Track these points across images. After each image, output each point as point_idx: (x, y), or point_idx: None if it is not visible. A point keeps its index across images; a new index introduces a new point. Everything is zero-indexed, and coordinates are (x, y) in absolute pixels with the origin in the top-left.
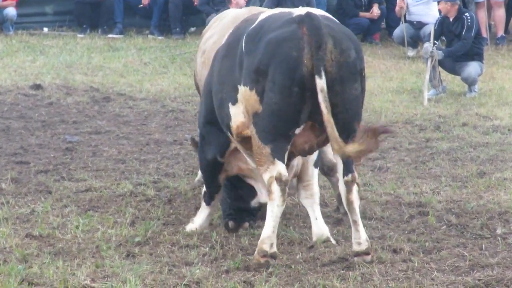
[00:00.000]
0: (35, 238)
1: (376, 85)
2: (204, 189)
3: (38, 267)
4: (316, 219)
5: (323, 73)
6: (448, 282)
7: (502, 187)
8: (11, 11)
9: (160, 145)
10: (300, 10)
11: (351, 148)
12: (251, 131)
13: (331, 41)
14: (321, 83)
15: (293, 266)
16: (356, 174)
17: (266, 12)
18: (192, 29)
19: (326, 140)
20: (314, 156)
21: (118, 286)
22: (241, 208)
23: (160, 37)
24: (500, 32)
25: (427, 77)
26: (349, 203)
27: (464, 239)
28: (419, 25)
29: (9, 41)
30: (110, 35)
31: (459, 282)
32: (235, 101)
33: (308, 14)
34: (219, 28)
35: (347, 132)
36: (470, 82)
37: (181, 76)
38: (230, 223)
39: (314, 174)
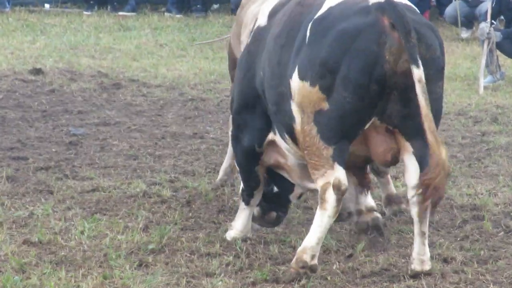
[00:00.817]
0: (34, 245)
1: None
2: (241, 186)
3: (38, 278)
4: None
5: (419, 61)
6: None
7: None
8: None
9: (178, 138)
10: None
11: (445, 153)
12: (309, 130)
13: (415, 35)
14: (418, 72)
15: (329, 278)
16: None
17: None
18: (215, 6)
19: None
20: None
21: None
22: (273, 197)
23: (178, 15)
24: None
25: (483, 62)
26: (423, 209)
27: None
28: (475, 2)
29: (5, 19)
30: (121, 13)
31: None
32: (291, 97)
33: (389, 1)
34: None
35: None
36: None
37: (202, 60)
38: (256, 210)
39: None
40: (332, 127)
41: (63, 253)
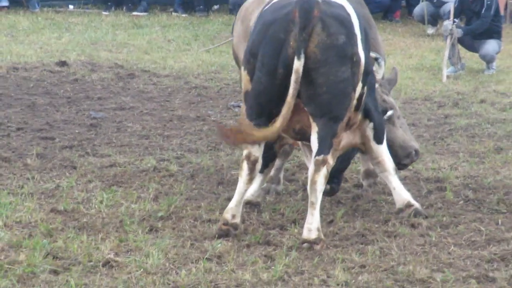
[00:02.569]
0: (59, 213)
1: (396, 63)
2: None
3: (63, 242)
4: (394, 188)
5: (302, 55)
6: (464, 256)
7: None
8: None
9: (183, 121)
10: None
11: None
12: (242, 108)
13: (320, 25)
14: (297, 64)
15: None
16: (329, 158)
17: None
18: (215, 7)
19: None
20: (370, 132)
21: (141, 260)
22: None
23: (183, 15)
24: None
25: (447, 54)
26: (313, 183)
27: (480, 214)
28: (439, 3)
29: (35, 19)
30: (134, 13)
31: (475, 256)
32: None
33: None
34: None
35: (325, 116)
36: (488, 60)
37: (204, 53)
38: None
39: (379, 150)
40: (252, 105)
41: (85, 220)
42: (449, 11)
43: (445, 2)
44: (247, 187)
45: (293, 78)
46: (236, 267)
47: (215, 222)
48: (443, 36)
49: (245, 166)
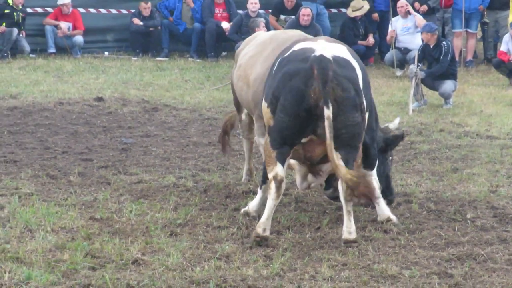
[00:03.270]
0: (97, 221)
1: None
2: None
3: (99, 244)
4: (378, 204)
5: (330, 104)
6: (427, 256)
7: (472, 180)
8: (79, 39)
9: (198, 146)
10: (319, 50)
11: (347, 174)
12: (266, 138)
13: (335, 82)
14: (328, 112)
15: (303, 243)
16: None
17: (299, 44)
18: (224, 53)
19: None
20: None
21: (164, 259)
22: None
23: (198, 60)
24: (469, 57)
25: (412, 92)
26: (346, 196)
27: (441, 222)
28: (406, 50)
29: (77, 63)
30: (158, 58)
31: (436, 257)
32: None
33: (320, 57)
34: (254, 45)
35: (347, 147)
36: (446, 97)
37: (214, 91)
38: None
39: (368, 174)
40: (275, 138)
41: (117, 226)
42: (414, 57)
43: (410, 50)
44: (276, 203)
45: (326, 124)
46: (241, 265)
47: (224, 228)
48: (409, 77)
49: (273, 185)
